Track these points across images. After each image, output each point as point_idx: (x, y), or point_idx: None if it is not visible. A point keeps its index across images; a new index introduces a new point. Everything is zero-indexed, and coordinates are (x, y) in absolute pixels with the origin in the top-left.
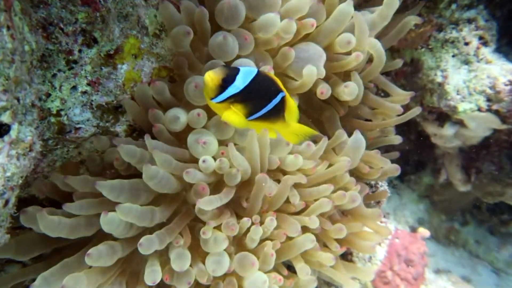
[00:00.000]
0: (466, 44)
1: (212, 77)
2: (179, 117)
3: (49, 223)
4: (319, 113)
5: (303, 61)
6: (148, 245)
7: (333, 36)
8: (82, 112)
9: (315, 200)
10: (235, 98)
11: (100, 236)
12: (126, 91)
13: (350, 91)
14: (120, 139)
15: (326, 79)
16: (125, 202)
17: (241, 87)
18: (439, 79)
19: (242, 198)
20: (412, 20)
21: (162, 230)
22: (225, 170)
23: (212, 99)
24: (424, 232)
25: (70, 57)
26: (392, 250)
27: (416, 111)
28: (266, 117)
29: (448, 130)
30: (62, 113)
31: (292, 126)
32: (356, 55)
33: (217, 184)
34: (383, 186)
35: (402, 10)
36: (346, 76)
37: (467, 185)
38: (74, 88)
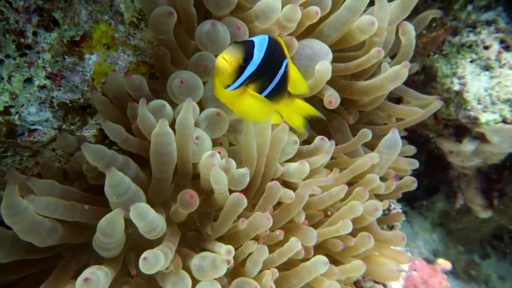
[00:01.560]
0: (486, 48)
1: (230, 60)
2: (165, 105)
3: (16, 202)
4: (324, 123)
5: (307, 59)
6: (154, 260)
7: (344, 28)
8: (39, 111)
9: (330, 208)
10: (252, 78)
11: (68, 262)
12: (96, 87)
13: (405, 73)
14: (88, 144)
15: (331, 83)
16: (122, 206)
17: (258, 61)
18: (456, 87)
19: None
20: (430, 14)
21: (161, 246)
22: (232, 171)
23: (227, 87)
24: (444, 264)
25: (22, 39)
26: (410, 284)
27: (437, 105)
28: (272, 95)
29: (468, 146)
30: (12, 110)
31: (296, 102)
32: (376, 50)
33: (206, 197)
34: (396, 208)
35: (412, 14)
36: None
37: (488, 211)
38: (29, 80)
